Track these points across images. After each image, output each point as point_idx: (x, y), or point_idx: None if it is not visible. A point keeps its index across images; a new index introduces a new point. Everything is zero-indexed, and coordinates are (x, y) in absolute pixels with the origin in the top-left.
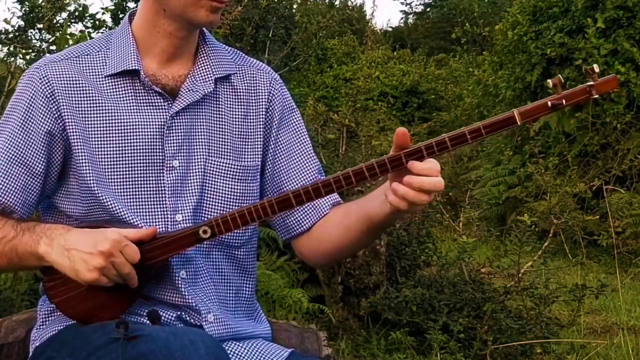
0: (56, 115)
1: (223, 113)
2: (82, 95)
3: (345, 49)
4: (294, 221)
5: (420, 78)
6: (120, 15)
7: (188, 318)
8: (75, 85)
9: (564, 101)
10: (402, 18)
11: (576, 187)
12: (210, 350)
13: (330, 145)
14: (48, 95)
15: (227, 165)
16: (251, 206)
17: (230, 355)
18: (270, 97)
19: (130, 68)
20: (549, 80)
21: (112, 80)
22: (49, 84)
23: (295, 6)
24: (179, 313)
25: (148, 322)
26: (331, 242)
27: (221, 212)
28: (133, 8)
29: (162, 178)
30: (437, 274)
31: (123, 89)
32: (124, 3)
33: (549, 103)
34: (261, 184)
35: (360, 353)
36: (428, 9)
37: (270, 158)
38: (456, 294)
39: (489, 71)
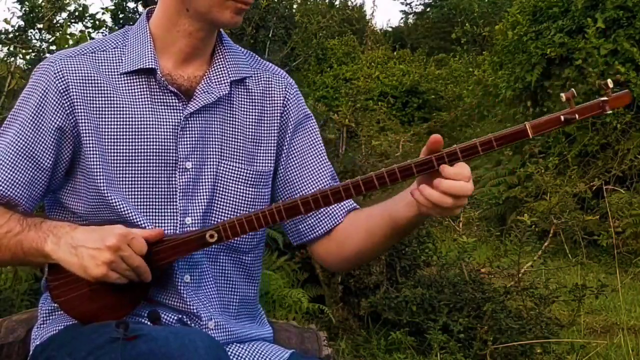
0: (68, 111)
1: (237, 116)
2: (96, 92)
3: (345, 49)
4: (307, 227)
5: (420, 78)
6: (120, 15)
7: (189, 322)
8: (90, 81)
9: (576, 116)
10: (402, 18)
11: (576, 187)
12: (210, 350)
13: (330, 145)
14: (62, 91)
15: (239, 169)
16: (259, 212)
17: (231, 357)
18: (285, 102)
19: (148, 67)
20: (562, 94)
21: (128, 78)
22: (63, 79)
23: (295, 6)
24: (180, 316)
25: (148, 322)
26: (353, 246)
27: (231, 216)
28: (133, 8)
29: (174, 179)
30: (437, 274)
31: (138, 87)
32: (124, 3)
33: (562, 117)
34: (272, 188)
35: (360, 353)
36: (428, 9)
37: (283, 163)
38: (456, 294)
39: (489, 71)
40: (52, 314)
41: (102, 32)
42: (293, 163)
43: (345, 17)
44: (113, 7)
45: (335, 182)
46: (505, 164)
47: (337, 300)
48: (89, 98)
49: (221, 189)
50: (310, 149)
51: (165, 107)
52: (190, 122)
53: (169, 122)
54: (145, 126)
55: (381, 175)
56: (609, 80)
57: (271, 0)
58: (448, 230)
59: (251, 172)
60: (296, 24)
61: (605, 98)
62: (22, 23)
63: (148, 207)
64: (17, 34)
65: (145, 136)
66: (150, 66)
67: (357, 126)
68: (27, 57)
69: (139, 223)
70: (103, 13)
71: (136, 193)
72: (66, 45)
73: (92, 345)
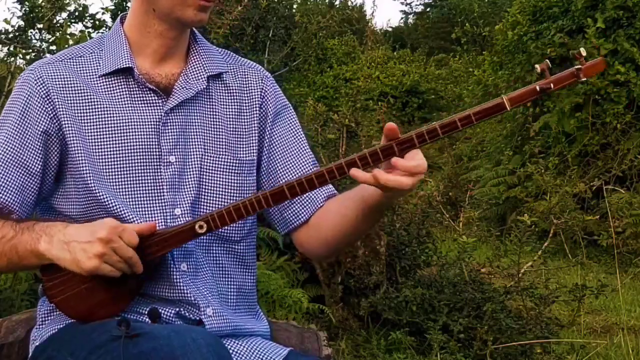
0: (52, 115)
1: (217, 110)
2: (77, 95)
3: (345, 49)
4: (291, 214)
5: (420, 78)
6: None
7: (187, 314)
8: (70, 86)
9: (552, 85)
10: (402, 18)
11: (576, 187)
12: (212, 348)
13: (330, 145)
14: (43, 96)
15: (223, 159)
16: (246, 200)
17: (230, 353)
18: (262, 94)
19: (124, 66)
20: (537, 66)
21: (107, 80)
22: (44, 84)
23: (295, 6)
24: (177, 309)
25: (148, 320)
26: (329, 230)
27: (219, 205)
28: None
29: (159, 173)
30: (437, 274)
31: (117, 87)
32: (124, 3)
33: (537, 87)
34: (257, 179)
35: (360, 353)
36: (428, 9)
37: (266, 153)
38: (456, 294)
39: (489, 71)
40: (51, 314)
41: (102, 32)
42: (276, 152)
43: (345, 17)
44: (113, 7)
45: (317, 168)
46: (505, 164)
47: (337, 300)
48: (70, 102)
49: (207, 179)
50: (291, 137)
51: (145, 105)
52: (170, 117)
53: (150, 118)
54: (126, 124)
55: (363, 156)
56: (582, 49)
57: (271, 0)
58: (448, 230)
59: (235, 162)
60: (296, 24)
61: (579, 66)
62: (22, 23)
63: (137, 202)
64: (17, 34)
65: (128, 134)
66: (127, 65)
67: (357, 126)
68: (27, 57)
69: (131, 219)
70: (103, 13)
71: (124, 190)
72: (66, 45)
73: (93, 344)
